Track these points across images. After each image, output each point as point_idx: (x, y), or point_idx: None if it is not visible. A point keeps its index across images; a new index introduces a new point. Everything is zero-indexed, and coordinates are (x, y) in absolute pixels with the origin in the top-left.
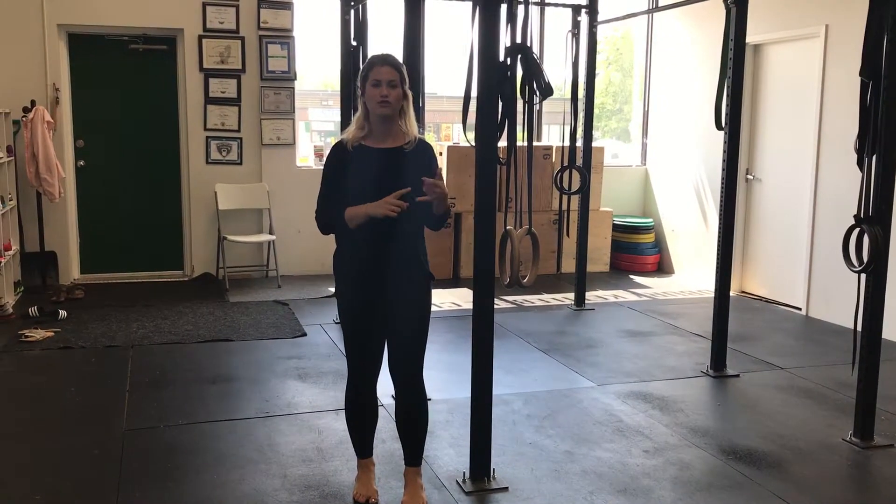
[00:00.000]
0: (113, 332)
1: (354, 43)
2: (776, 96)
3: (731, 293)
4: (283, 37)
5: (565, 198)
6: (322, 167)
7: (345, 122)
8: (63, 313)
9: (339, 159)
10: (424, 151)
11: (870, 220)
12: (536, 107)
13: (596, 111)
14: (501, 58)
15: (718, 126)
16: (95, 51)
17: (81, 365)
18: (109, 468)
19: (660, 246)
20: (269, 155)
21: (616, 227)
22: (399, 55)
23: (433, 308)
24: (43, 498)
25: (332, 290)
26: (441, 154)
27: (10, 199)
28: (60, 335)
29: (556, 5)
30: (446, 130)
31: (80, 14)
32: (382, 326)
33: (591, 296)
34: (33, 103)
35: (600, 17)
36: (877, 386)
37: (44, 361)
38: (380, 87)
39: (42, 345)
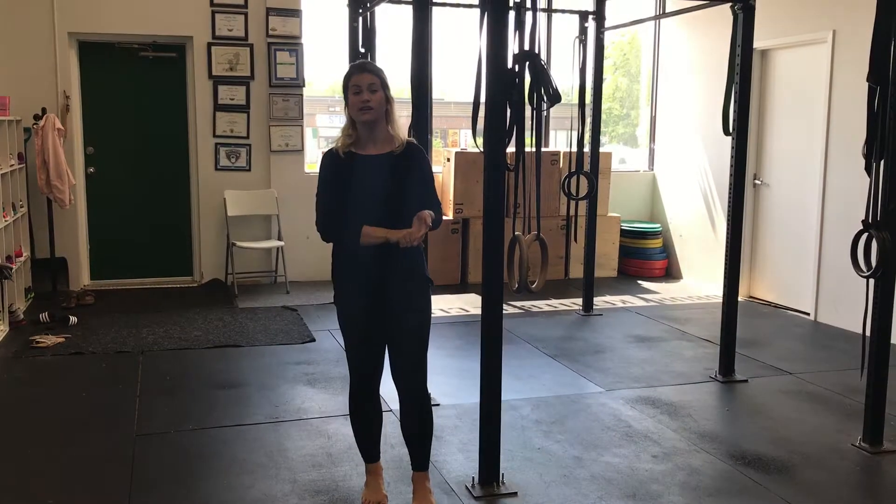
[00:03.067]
0: (123, 338)
1: (363, 50)
2: (784, 101)
3: (740, 298)
4: (292, 44)
5: (573, 203)
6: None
7: None
8: (73, 319)
9: (334, 165)
10: (414, 154)
11: (878, 225)
12: (544, 113)
13: (603, 116)
14: (510, 64)
15: (726, 131)
16: (105, 58)
17: (92, 370)
18: (120, 473)
19: (668, 251)
20: (278, 161)
21: (624, 233)
22: (407, 62)
23: (440, 314)
24: (55, 502)
25: None
26: (449, 160)
27: (21, 206)
28: (71, 341)
29: (564, 12)
30: (453, 136)
31: (90, 22)
32: (383, 332)
33: (599, 301)
34: (44, 111)
35: (607, 24)
36: (886, 391)
37: (55, 367)
38: (360, 94)
39: (53, 350)
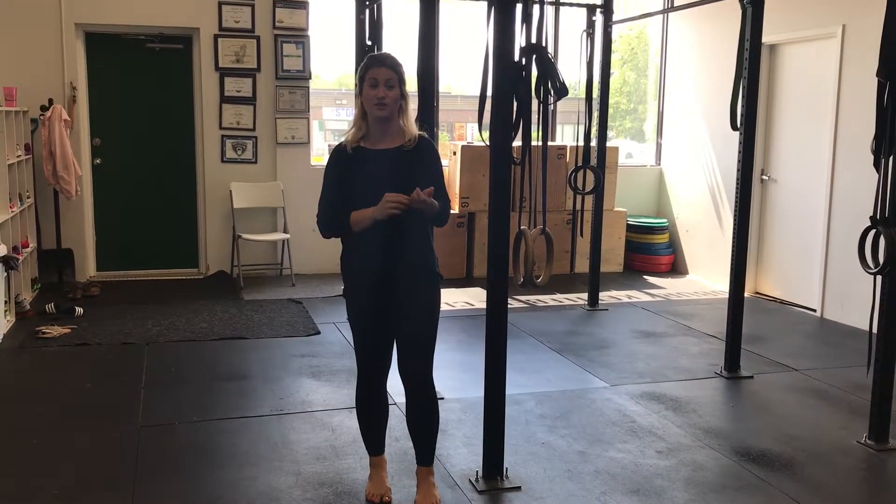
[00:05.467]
0: (128, 329)
1: (369, 42)
2: (792, 97)
3: (746, 294)
4: (299, 36)
5: (579, 198)
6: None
7: None
8: (79, 310)
9: (339, 163)
10: (425, 149)
11: (886, 222)
12: (551, 107)
13: (610, 111)
14: (516, 58)
15: (734, 126)
16: (112, 50)
17: (97, 361)
18: (125, 464)
19: (674, 246)
20: (284, 154)
21: (630, 228)
22: (414, 54)
23: (445, 307)
24: (60, 493)
25: None
26: (455, 154)
27: (28, 197)
28: (77, 332)
29: (572, 5)
30: (460, 130)
31: (97, 13)
32: (391, 325)
33: (605, 296)
34: (51, 102)
35: (615, 17)
36: (892, 388)
37: (60, 358)
38: (377, 88)
39: (59, 341)
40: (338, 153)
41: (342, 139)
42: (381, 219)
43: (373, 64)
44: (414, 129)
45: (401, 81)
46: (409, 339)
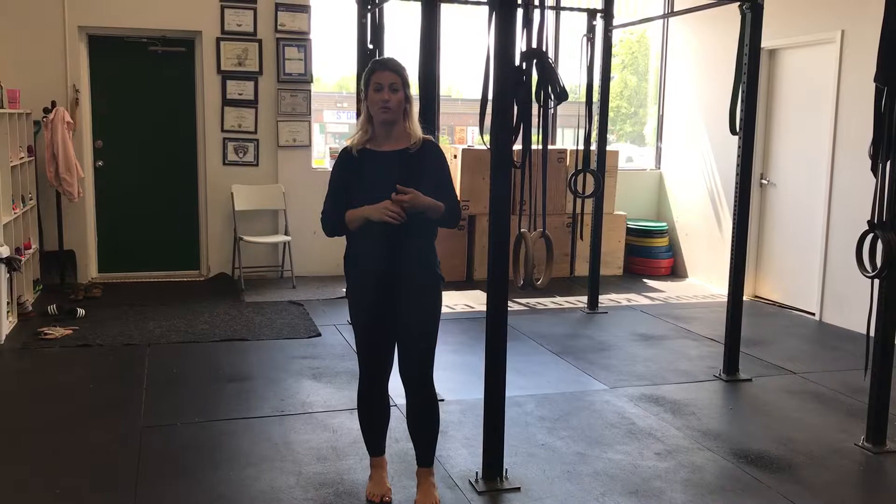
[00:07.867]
0: (130, 331)
1: (371, 46)
2: (791, 101)
3: (745, 298)
4: (300, 39)
5: (579, 201)
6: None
7: None
8: (81, 311)
9: (345, 165)
10: (430, 151)
11: (884, 226)
12: (551, 110)
13: (610, 114)
14: (517, 62)
15: (733, 131)
16: (115, 52)
17: (99, 362)
18: (127, 464)
19: (673, 250)
20: (285, 156)
21: (630, 231)
22: (415, 58)
23: (445, 309)
24: (62, 493)
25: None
26: (456, 157)
27: (31, 199)
28: (78, 333)
29: (572, 9)
30: (460, 133)
31: (100, 16)
32: (393, 327)
33: (605, 299)
34: (54, 104)
35: (616, 22)
36: (889, 391)
37: (62, 359)
38: (381, 92)
39: (60, 342)
40: (344, 155)
41: (348, 143)
42: (372, 219)
43: (377, 68)
44: (419, 131)
45: (405, 85)
46: (410, 340)
